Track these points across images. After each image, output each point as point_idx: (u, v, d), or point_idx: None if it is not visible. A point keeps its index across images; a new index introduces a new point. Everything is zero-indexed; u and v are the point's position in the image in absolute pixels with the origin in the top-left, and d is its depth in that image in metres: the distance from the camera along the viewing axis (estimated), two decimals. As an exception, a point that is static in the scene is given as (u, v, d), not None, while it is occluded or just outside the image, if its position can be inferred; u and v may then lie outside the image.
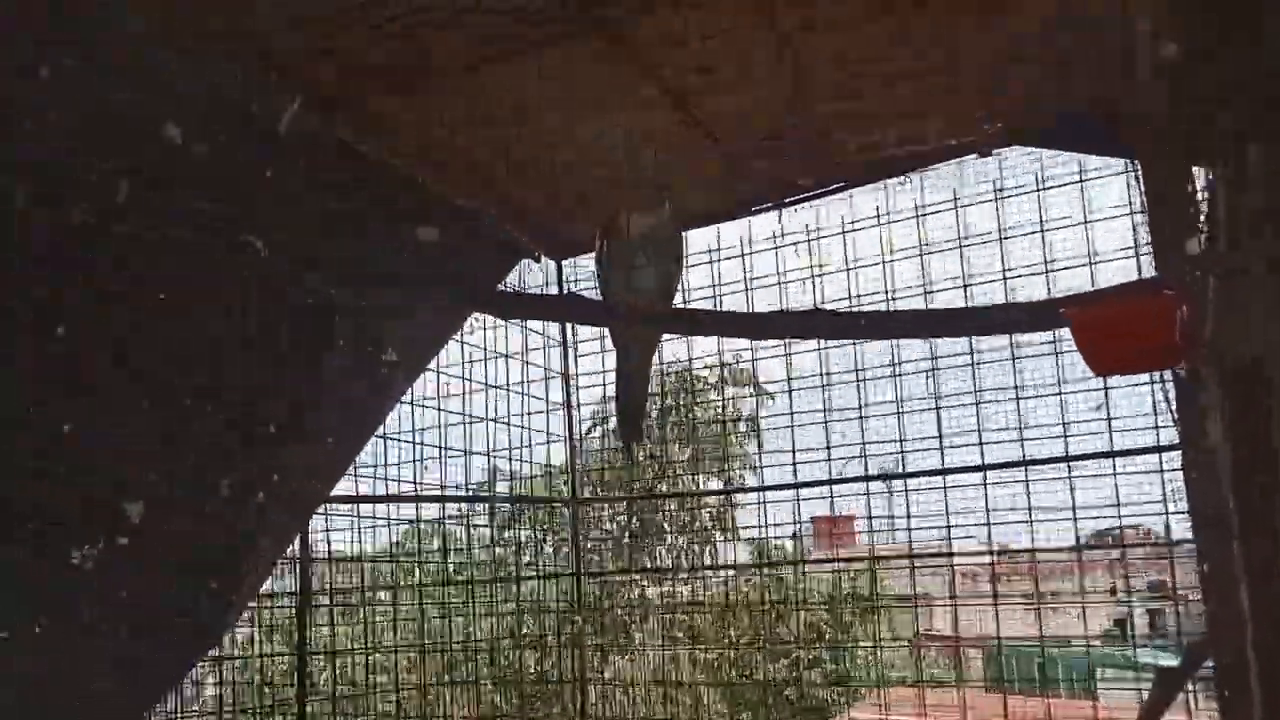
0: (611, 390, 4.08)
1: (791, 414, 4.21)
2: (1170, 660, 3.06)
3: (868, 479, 4.17)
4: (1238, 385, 2.07)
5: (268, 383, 3.65)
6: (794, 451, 4.24)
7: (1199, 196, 2.33)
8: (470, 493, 5.11)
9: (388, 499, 4.40)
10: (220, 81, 2.64)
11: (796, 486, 4.32)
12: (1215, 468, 2.74)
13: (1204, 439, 2.64)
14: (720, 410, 5.94)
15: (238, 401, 3.56)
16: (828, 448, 4.16)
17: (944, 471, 3.94)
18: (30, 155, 2.35)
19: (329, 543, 4.53)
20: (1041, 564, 4.33)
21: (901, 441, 4.07)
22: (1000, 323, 2.54)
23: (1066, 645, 5.09)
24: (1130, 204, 3.29)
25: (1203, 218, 2.31)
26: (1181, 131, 2.35)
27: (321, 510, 4.30)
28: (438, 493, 4.67)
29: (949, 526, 4.18)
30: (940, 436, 3.96)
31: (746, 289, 4.06)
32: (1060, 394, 3.68)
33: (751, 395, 8.82)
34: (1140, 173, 3.16)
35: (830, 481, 4.21)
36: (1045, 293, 3.57)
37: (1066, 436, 3.71)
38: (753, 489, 4.56)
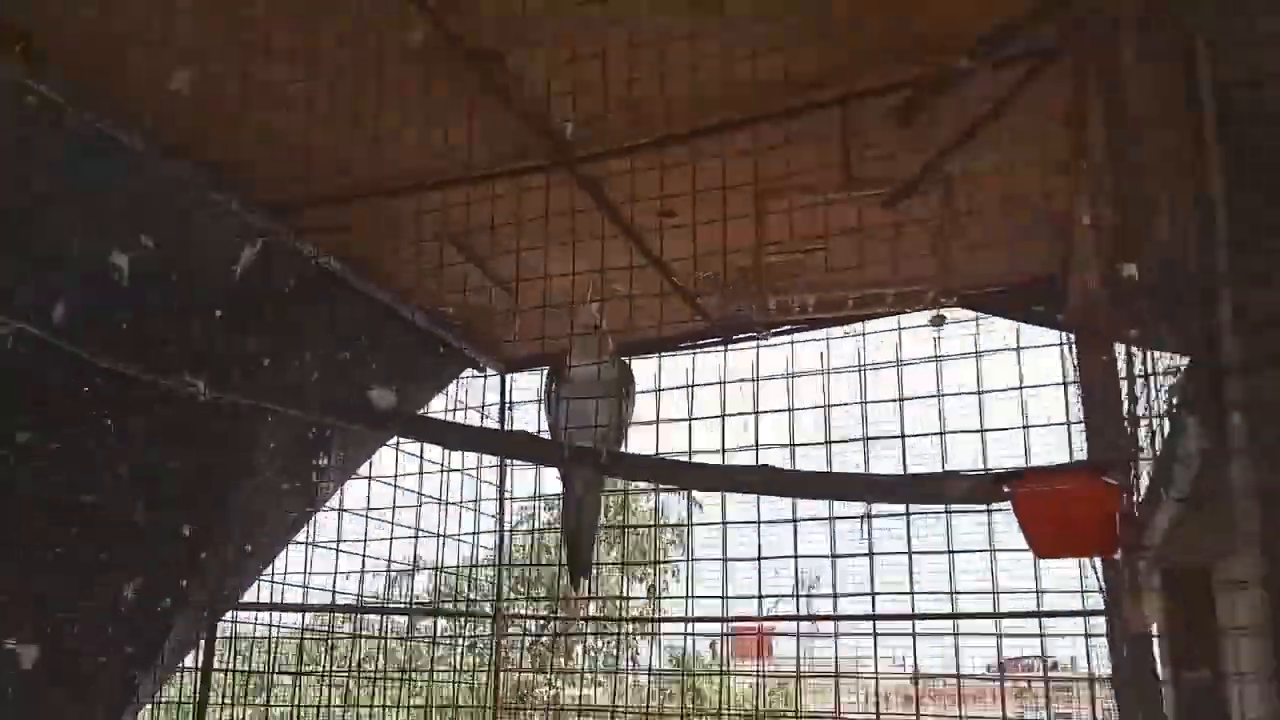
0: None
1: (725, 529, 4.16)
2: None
3: (799, 618, 4.14)
4: (1179, 585, 2.12)
5: (186, 487, 3.51)
6: (725, 574, 4.20)
7: (1136, 391, 2.42)
8: (388, 598, 4.93)
9: (303, 608, 4.21)
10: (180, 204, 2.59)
11: (724, 620, 4.27)
12: (1139, 643, 2.80)
13: (1132, 619, 2.69)
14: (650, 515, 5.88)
15: (151, 504, 3.41)
16: (758, 575, 4.12)
17: (874, 617, 3.93)
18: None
19: (232, 648, 4.27)
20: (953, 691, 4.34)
21: (835, 573, 4.06)
22: (946, 493, 2.56)
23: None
24: (1064, 378, 3.41)
25: (1137, 413, 2.39)
26: (1119, 328, 2.45)
27: (229, 617, 4.09)
28: (353, 600, 4.49)
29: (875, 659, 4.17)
30: (872, 580, 3.97)
31: (689, 418, 4.05)
32: (991, 550, 3.72)
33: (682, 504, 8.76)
34: (1076, 354, 3.29)
35: (755, 619, 4.17)
36: (979, 452, 3.65)
37: (995, 594, 3.75)
38: (681, 619, 4.49)
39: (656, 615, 8.23)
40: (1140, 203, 1.88)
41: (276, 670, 4.52)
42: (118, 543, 3.31)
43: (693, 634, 4.39)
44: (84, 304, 2.38)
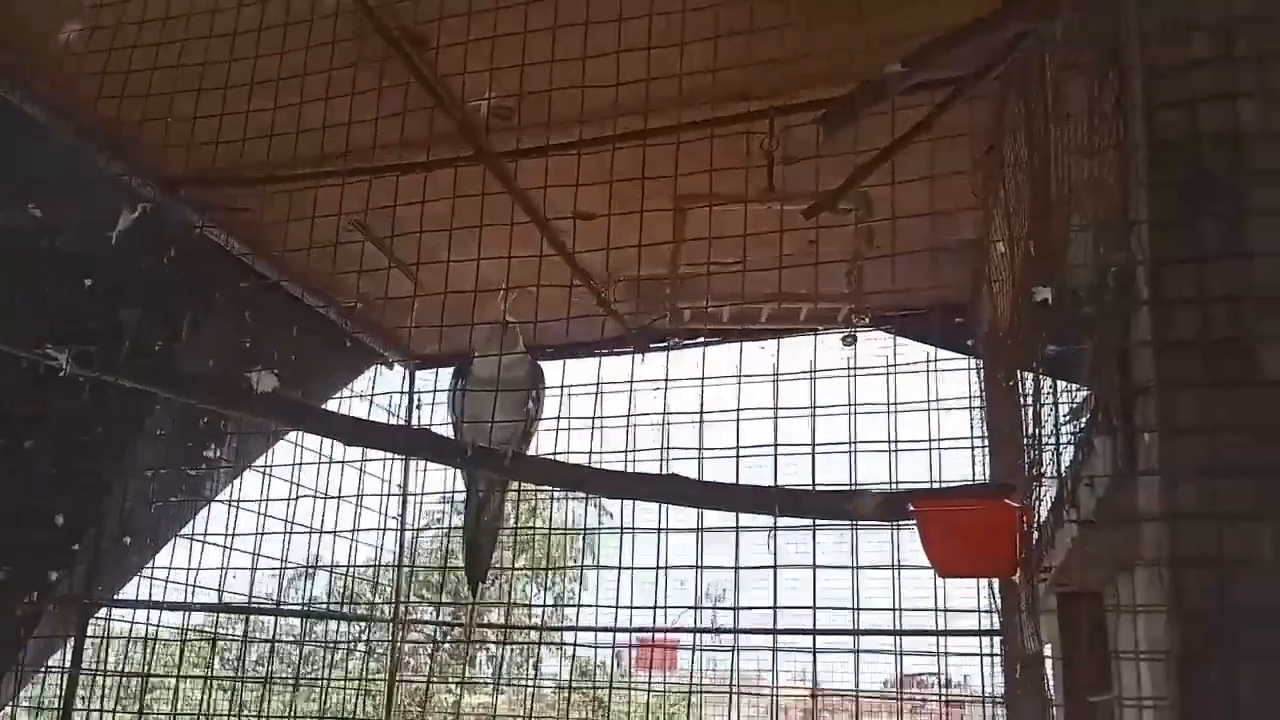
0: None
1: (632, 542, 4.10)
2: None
3: (698, 630, 4.11)
4: (1073, 608, 2.15)
5: (59, 471, 3.28)
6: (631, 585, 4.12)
7: (1040, 415, 2.45)
8: (283, 599, 4.74)
9: (187, 607, 3.98)
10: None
11: (631, 631, 4.21)
12: (1031, 664, 2.85)
13: (1023, 641, 2.74)
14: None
15: (23, 486, 3.19)
16: (664, 584, 4.07)
17: (776, 631, 3.93)
18: None
19: (105, 648, 4.01)
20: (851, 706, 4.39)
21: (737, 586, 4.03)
22: (853, 510, 2.55)
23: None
24: (970, 399, 3.46)
25: (1040, 436, 2.43)
26: (1026, 353, 2.49)
27: (103, 615, 3.85)
28: (243, 600, 4.27)
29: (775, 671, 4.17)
30: (775, 593, 3.96)
31: (597, 428, 3.99)
32: (895, 567, 3.75)
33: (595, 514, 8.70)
34: (982, 374, 3.35)
35: (659, 629, 4.13)
36: (887, 468, 3.68)
37: (898, 610, 3.78)
38: (585, 628, 4.41)
39: (561, 624, 8.15)
40: (1057, 226, 1.90)
41: (153, 673, 4.27)
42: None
43: (595, 645, 4.30)
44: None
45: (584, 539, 9.20)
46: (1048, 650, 2.57)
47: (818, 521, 3.75)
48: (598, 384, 4.07)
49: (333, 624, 5.51)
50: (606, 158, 2.76)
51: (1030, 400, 2.60)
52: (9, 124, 2.65)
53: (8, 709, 3.72)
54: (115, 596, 3.91)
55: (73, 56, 2.32)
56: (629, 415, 3.88)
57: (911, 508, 2.50)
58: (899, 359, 3.48)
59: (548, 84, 2.49)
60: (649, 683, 4.56)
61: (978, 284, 3.26)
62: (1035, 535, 2.34)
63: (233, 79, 2.43)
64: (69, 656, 3.77)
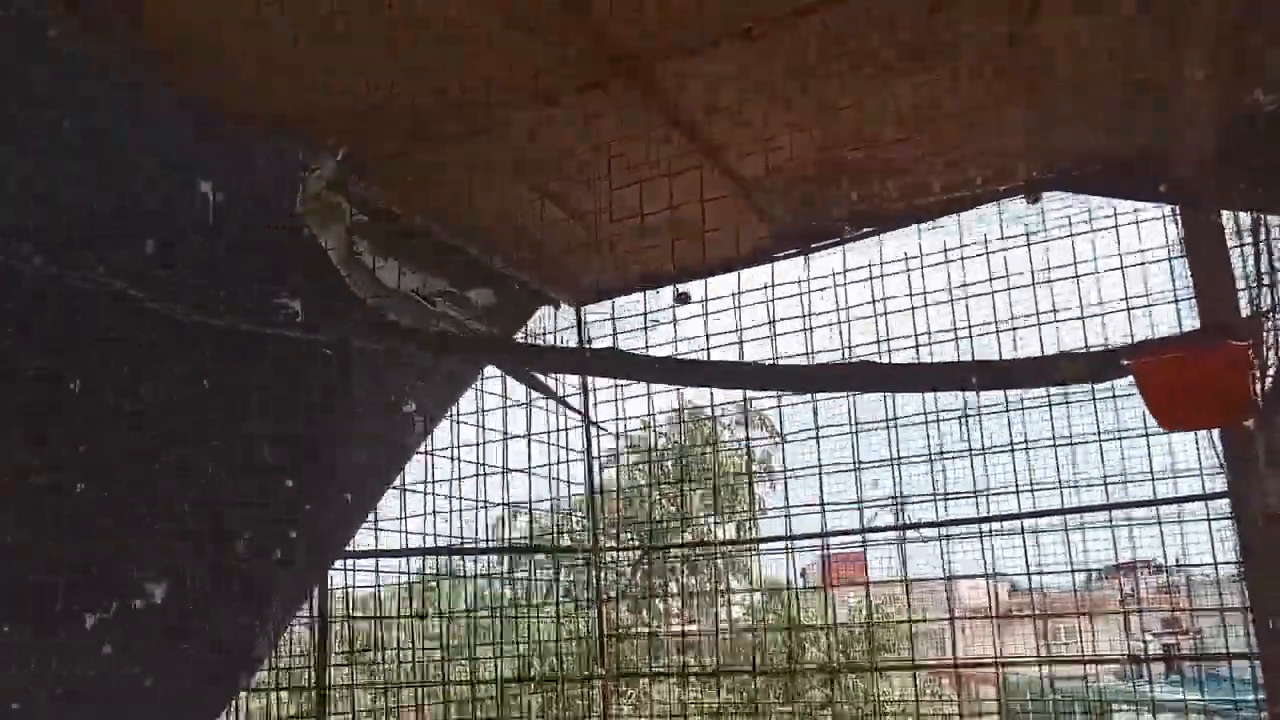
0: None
1: (820, 463, 4.05)
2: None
3: (902, 527, 4.06)
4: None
5: (286, 437, 3.57)
6: (822, 505, 4.09)
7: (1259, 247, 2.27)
8: (488, 542, 5.00)
9: (407, 553, 4.29)
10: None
11: (824, 536, 4.22)
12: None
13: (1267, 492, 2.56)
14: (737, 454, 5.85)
15: (255, 455, 3.49)
16: (860, 500, 4.02)
17: (983, 520, 3.84)
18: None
19: (349, 597, 4.37)
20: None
21: (937, 496, 3.94)
22: (1061, 373, 2.44)
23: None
24: (1169, 250, 3.22)
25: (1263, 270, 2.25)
26: (1237, 182, 2.29)
27: (339, 565, 4.18)
28: (457, 542, 4.55)
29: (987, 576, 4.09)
30: (975, 481, 3.86)
31: (772, 336, 3.98)
32: (1100, 440, 3.59)
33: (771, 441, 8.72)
34: (1182, 221, 3.10)
35: (862, 531, 4.11)
36: (1081, 338, 3.50)
37: (1107, 483, 3.62)
38: (779, 538, 4.45)
39: (747, 550, 8.21)
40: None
41: (398, 615, 4.60)
42: (225, 495, 3.39)
43: (788, 551, 4.33)
44: (177, 265, 2.42)
45: (764, 468, 9.22)
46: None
47: (1013, 404, 3.64)
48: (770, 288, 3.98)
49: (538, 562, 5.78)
50: (750, 61, 2.69)
51: (1248, 235, 2.41)
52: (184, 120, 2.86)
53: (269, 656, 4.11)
54: (347, 549, 4.24)
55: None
56: (804, 316, 3.84)
57: (1125, 362, 2.37)
58: (1086, 217, 3.28)
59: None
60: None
61: (1167, 127, 3.01)
62: (1271, 373, 2.19)
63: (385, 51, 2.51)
64: (315, 607, 4.12)
